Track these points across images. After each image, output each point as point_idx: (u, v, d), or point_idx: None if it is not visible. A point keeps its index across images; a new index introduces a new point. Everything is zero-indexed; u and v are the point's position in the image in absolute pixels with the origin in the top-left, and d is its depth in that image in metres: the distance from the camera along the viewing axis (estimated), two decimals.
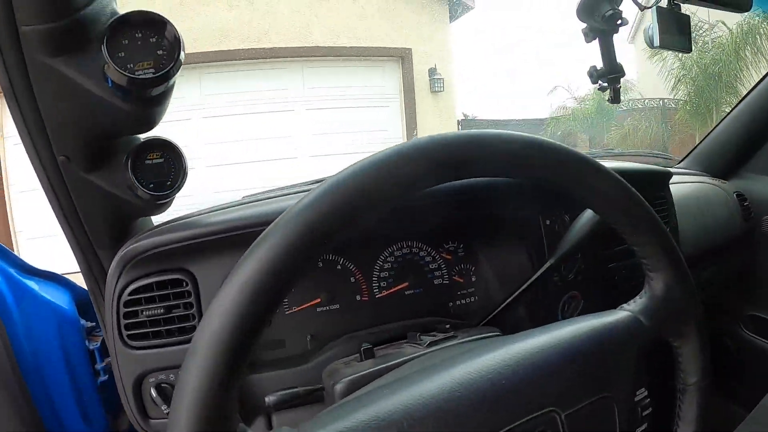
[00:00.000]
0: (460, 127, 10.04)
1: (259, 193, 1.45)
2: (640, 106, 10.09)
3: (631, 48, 10.54)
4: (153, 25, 0.66)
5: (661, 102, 10.02)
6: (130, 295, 0.81)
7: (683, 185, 1.55)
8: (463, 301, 1.01)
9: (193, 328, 0.82)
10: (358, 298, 0.95)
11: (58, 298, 0.96)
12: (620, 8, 1.15)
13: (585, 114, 10.22)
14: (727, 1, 1.22)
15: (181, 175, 0.80)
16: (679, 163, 1.90)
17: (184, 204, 0.93)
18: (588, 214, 0.94)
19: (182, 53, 0.67)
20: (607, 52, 1.24)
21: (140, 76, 0.65)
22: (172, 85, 0.70)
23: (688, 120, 9.10)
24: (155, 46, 0.66)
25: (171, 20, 0.67)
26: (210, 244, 0.82)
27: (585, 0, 1.15)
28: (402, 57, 7.73)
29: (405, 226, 0.96)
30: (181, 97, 7.22)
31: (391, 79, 7.84)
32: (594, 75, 1.27)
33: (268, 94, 7.35)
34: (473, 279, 1.01)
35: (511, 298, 0.93)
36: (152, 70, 0.65)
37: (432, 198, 0.86)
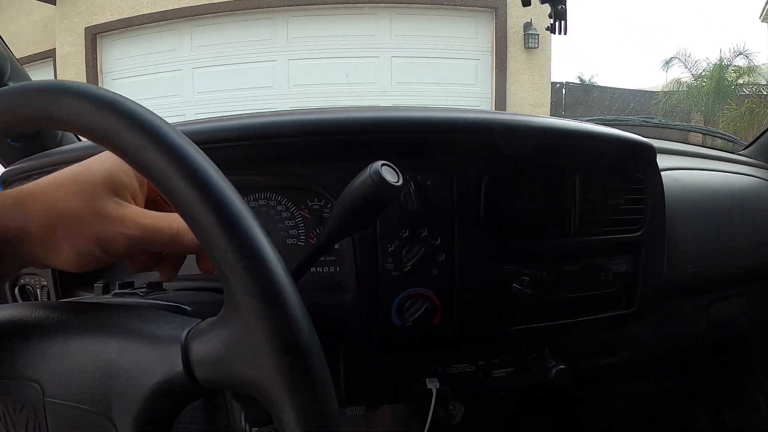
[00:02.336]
0: (564, 90, 9.44)
1: None
2: (765, 93, 9.07)
3: (763, 27, 9.44)
4: None
5: None
6: None
7: (735, 178, 1.22)
8: (321, 269, 0.86)
9: None
10: None
11: None
12: None
13: (701, 92, 9.31)
14: None
15: None
16: (745, 148, 1.54)
17: None
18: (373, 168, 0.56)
19: None
20: None
21: None
22: None
23: None
24: None
25: None
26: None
27: None
28: (495, 8, 7.29)
29: (270, 174, 0.83)
30: (266, 39, 7.28)
31: (484, 32, 7.45)
32: None
33: (353, 40, 7.24)
34: (336, 246, 0.84)
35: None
36: None
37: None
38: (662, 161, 0.95)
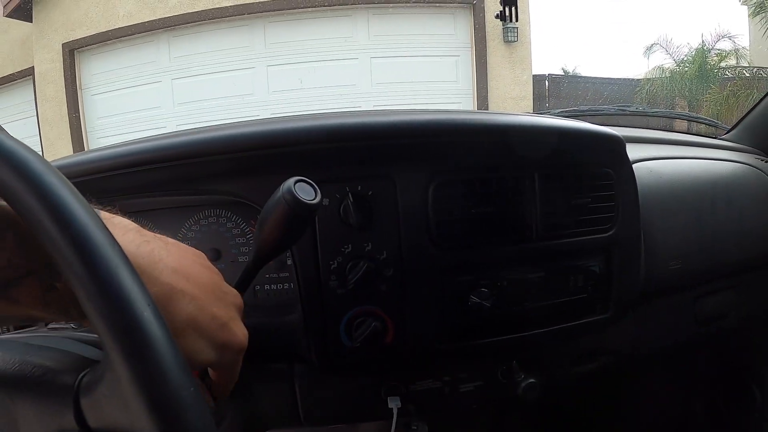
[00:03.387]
0: (547, 83, 9.42)
1: None
2: (748, 75, 9.03)
3: (743, 10, 9.44)
4: None
5: None
6: None
7: (718, 165, 1.15)
8: (273, 287, 0.81)
9: None
10: None
11: None
12: None
13: (684, 77, 9.28)
14: None
15: None
16: (728, 132, 1.49)
17: None
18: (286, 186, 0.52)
19: None
20: None
21: None
22: None
23: None
24: None
25: None
26: None
27: None
28: (473, 4, 7.22)
29: (201, 193, 0.77)
30: (244, 47, 7.26)
31: (462, 28, 7.38)
32: None
33: (331, 43, 7.16)
34: (288, 262, 0.79)
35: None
36: None
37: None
38: (637, 151, 0.90)
